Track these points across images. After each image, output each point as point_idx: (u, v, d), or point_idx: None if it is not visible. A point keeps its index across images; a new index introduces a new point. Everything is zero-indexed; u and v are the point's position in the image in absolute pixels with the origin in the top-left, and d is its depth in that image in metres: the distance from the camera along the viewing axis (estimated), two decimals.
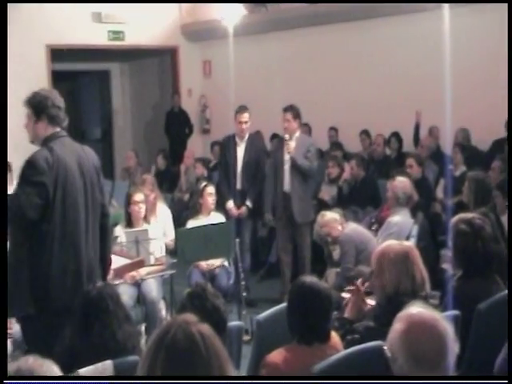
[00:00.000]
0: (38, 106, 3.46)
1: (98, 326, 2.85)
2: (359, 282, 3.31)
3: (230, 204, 6.16)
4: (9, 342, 4.13)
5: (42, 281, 3.36)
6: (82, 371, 2.67)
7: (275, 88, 9.41)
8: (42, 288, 3.36)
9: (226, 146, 6.40)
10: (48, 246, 3.35)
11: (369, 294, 3.34)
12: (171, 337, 1.69)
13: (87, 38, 9.70)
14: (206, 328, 1.75)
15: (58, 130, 3.50)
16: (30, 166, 3.32)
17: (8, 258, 3.39)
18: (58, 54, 9.65)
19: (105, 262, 3.70)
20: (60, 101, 3.53)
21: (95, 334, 2.84)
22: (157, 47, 10.52)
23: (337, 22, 8.77)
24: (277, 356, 2.75)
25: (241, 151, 6.25)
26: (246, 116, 6.18)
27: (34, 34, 9.24)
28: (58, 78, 9.91)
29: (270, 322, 3.33)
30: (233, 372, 1.76)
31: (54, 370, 2.00)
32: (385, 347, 2.01)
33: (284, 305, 3.05)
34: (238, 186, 6.23)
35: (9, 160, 7.17)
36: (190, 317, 1.79)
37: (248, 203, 6.18)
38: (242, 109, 6.22)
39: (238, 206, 6.17)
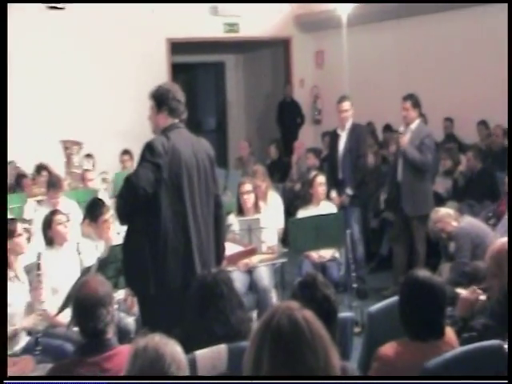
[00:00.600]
0: (159, 99, 3.63)
1: (212, 310, 2.92)
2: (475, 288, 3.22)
3: (333, 193, 6.18)
4: (131, 320, 4.39)
5: (159, 263, 3.50)
6: (198, 353, 2.77)
7: (389, 78, 9.25)
8: (158, 270, 3.50)
9: (332, 136, 6.56)
10: (162, 231, 3.49)
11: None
12: (276, 323, 1.72)
13: (204, 30, 9.96)
14: (309, 314, 1.77)
15: (177, 121, 3.67)
16: (148, 148, 3.52)
17: (128, 243, 3.59)
18: (176, 46, 9.98)
19: (219, 250, 3.81)
20: (181, 94, 3.69)
21: (210, 318, 2.91)
22: (270, 38, 10.61)
23: (453, 8, 8.47)
24: (389, 349, 2.73)
25: (342, 140, 6.29)
26: (345, 105, 6.22)
27: (156, 29, 9.60)
28: (175, 70, 10.25)
29: (382, 314, 3.31)
30: (337, 357, 1.77)
31: (178, 349, 2.11)
32: (505, 346, 1.96)
33: (396, 298, 3.02)
34: (340, 175, 6.27)
35: (131, 149, 7.59)
36: (294, 303, 1.82)
37: (348, 191, 6.19)
38: (342, 98, 6.32)
39: (340, 195, 6.17)
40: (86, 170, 7.32)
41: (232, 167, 10.52)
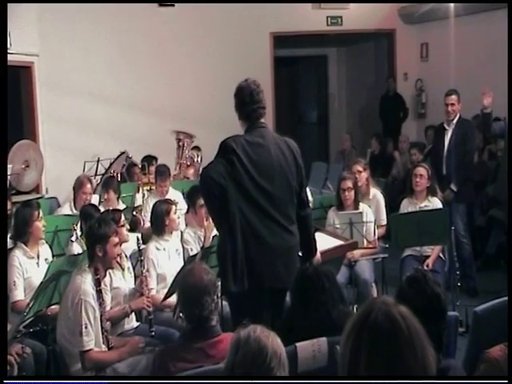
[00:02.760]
0: (237, 102, 3.63)
1: (314, 303, 2.92)
2: None
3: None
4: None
5: (243, 262, 3.48)
6: (299, 345, 2.79)
7: (497, 70, 8.87)
8: (243, 268, 3.48)
9: (438, 130, 6.44)
10: (236, 229, 3.45)
11: None
12: (373, 320, 1.69)
13: (307, 24, 9.95)
14: (404, 309, 1.74)
15: (256, 121, 3.61)
16: (222, 145, 3.54)
17: (221, 244, 3.61)
18: (279, 40, 10.05)
19: (309, 246, 3.75)
20: (258, 92, 3.61)
21: (312, 311, 2.92)
22: (373, 31, 10.46)
23: None
24: (498, 352, 2.64)
25: (448, 135, 6.15)
26: (451, 99, 6.09)
27: (259, 23, 9.70)
28: (278, 63, 10.32)
29: (489, 314, 3.20)
30: (433, 355, 1.73)
31: (278, 342, 2.12)
32: None
33: (505, 299, 2.91)
34: (444, 170, 6.13)
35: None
36: (388, 298, 1.79)
37: (452, 187, 6.04)
38: (449, 91, 6.19)
39: (443, 191, 6.01)
40: (194, 163, 7.50)
41: (333, 160, 10.50)
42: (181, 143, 7.57)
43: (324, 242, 4.36)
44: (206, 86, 9.47)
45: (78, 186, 5.93)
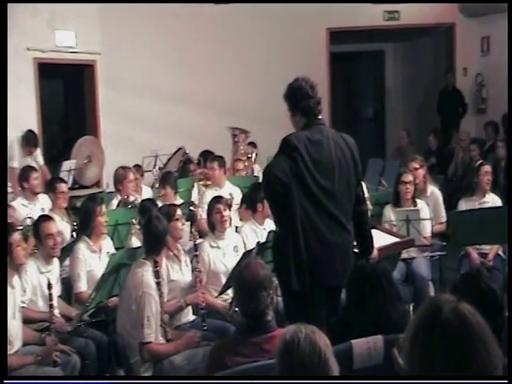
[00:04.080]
0: (291, 100, 3.59)
1: (373, 301, 2.90)
2: None
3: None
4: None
5: (305, 260, 3.47)
6: (355, 342, 2.78)
7: None
8: (306, 266, 3.48)
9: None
10: (296, 225, 3.44)
11: None
12: (445, 315, 1.68)
13: (364, 19, 9.87)
14: (469, 306, 1.72)
15: (313, 118, 3.59)
16: (284, 142, 3.52)
17: (275, 235, 3.65)
18: (335, 35, 9.99)
19: (367, 243, 3.73)
20: (314, 90, 3.59)
21: (370, 309, 2.89)
22: (432, 25, 10.28)
23: None
24: None
25: None
26: None
27: (315, 19, 9.67)
28: (334, 59, 10.27)
29: None
30: (500, 352, 1.71)
31: (327, 341, 2.09)
32: None
33: None
34: None
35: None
36: (450, 296, 1.76)
37: None
38: None
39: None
40: (249, 158, 7.55)
41: (389, 157, 10.38)
42: (236, 139, 7.62)
43: (379, 238, 4.33)
44: (262, 83, 9.50)
45: (122, 177, 6.10)
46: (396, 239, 4.72)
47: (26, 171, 6.17)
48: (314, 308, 3.42)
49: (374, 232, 4.12)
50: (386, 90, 12.45)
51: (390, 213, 5.38)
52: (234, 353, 2.81)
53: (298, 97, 3.56)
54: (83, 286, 4.45)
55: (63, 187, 5.76)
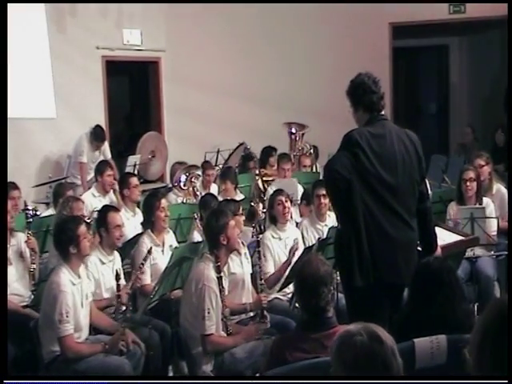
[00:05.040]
0: (354, 96, 3.56)
1: (440, 298, 2.87)
2: None
3: None
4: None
5: (368, 256, 3.43)
6: (417, 341, 2.74)
7: None
8: (369, 262, 3.44)
9: None
10: (360, 223, 3.40)
11: None
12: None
13: (428, 12, 9.68)
14: None
15: (376, 114, 3.55)
16: (346, 137, 3.49)
17: (337, 231, 3.63)
18: (397, 30, 9.84)
19: (428, 244, 3.67)
20: (376, 85, 3.54)
21: (436, 306, 2.86)
22: (501, 18, 9.98)
23: None
24: None
25: None
26: None
27: (378, 14, 9.55)
28: (396, 54, 10.12)
29: None
30: None
31: (389, 338, 2.06)
32: None
33: None
34: None
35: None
36: None
37: None
38: None
39: None
40: (303, 155, 7.53)
41: (453, 153, 10.17)
42: (293, 136, 7.61)
43: (443, 236, 4.26)
44: (324, 78, 9.46)
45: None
46: (460, 237, 4.64)
47: (103, 166, 6.35)
48: (376, 305, 3.39)
49: (437, 230, 4.07)
50: (451, 85, 12.17)
51: (453, 210, 5.28)
52: (295, 348, 2.82)
53: (360, 92, 3.52)
54: (147, 279, 4.54)
55: (135, 181, 5.87)
